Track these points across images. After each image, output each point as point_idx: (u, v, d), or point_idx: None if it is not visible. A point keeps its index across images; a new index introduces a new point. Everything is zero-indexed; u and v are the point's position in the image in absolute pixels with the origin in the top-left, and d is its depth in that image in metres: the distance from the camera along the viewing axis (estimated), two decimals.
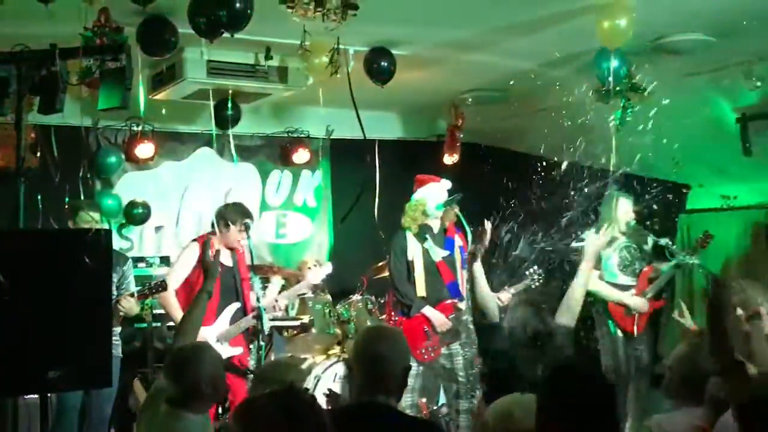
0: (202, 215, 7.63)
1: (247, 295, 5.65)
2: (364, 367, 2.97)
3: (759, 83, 5.68)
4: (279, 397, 2.25)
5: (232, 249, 5.67)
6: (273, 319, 6.29)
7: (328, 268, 6.25)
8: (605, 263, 6.18)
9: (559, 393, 2.47)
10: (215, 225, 5.69)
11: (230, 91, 6.28)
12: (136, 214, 7.28)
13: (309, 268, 6.84)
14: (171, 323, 5.95)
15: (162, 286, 5.37)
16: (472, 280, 4.39)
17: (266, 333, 5.34)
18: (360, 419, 2.81)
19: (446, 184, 6.03)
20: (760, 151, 6.45)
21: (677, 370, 3.54)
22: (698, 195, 8.24)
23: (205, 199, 7.64)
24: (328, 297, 7.13)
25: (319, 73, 5.54)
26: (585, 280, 3.95)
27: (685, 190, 8.24)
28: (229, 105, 6.55)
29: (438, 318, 5.83)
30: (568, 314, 3.78)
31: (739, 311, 4.75)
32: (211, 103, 6.22)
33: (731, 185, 7.68)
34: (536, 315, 3.62)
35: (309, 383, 5.75)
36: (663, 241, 6.15)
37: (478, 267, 4.43)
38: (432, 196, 5.96)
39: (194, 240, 5.85)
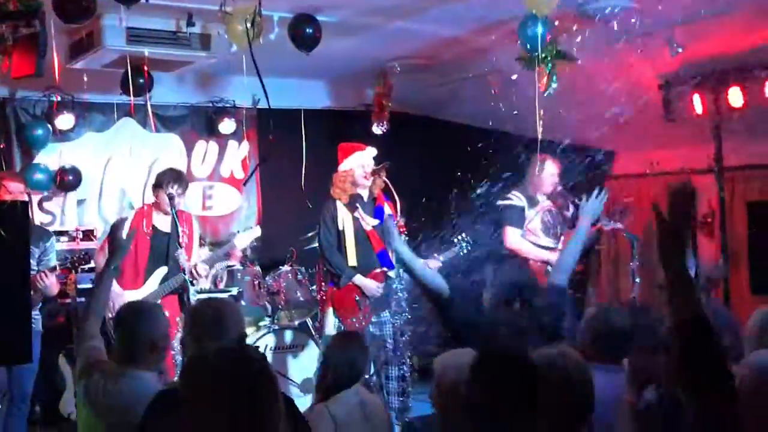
0: (126, 188, 7.46)
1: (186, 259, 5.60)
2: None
3: (680, 49, 5.75)
4: (229, 352, 2.18)
5: (168, 214, 5.64)
6: (201, 292, 6.23)
7: (256, 231, 6.20)
8: (528, 223, 6.26)
9: (482, 382, 2.48)
10: (153, 189, 5.71)
11: (145, 59, 6.06)
12: (67, 183, 7.13)
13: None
14: None
15: (84, 259, 5.27)
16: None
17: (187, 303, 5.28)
18: None
19: (372, 151, 6.00)
20: (680, 117, 6.56)
21: (590, 328, 3.60)
22: (623, 161, 8.41)
23: (128, 171, 7.47)
24: (257, 269, 7.06)
25: (241, 39, 5.41)
26: (584, 238, 4.03)
27: (609, 156, 8.39)
28: (141, 76, 6.34)
29: (369, 285, 5.82)
30: (564, 273, 3.86)
31: None
32: (129, 71, 6.02)
33: (654, 150, 7.83)
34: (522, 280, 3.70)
35: None
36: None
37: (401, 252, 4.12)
38: (358, 165, 5.92)
39: (135, 210, 5.94)
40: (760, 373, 2.64)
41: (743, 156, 6.84)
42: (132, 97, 6.36)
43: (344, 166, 5.97)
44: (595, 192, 4.13)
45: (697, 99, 6.38)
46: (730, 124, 6.38)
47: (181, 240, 5.53)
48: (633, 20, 5.48)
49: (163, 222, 5.73)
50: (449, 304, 3.65)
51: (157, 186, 5.68)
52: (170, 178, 5.62)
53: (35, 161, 7.09)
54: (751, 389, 2.64)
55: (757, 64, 5.87)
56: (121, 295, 5.47)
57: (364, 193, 5.97)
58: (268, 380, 2.11)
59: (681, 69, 6.32)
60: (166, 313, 3.60)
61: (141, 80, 6.37)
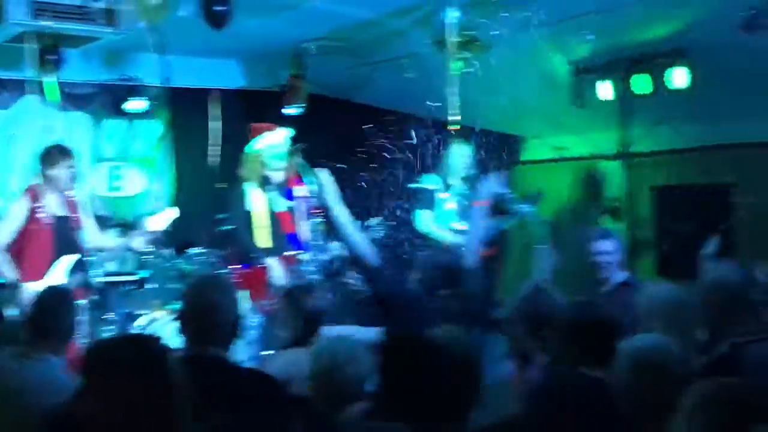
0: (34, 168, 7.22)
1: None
2: (195, 318, 2.84)
3: (591, 36, 5.86)
4: (129, 342, 2.13)
5: (62, 194, 5.42)
6: (108, 274, 6.08)
7: (174, 212, 6.04)
8: (441, 209, 6.31)
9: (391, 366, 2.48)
10: (40, 171, 5.42)
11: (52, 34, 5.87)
12: None
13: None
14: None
15: None
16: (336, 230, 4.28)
17: (93, 287, 5.13)
18: (190, 372, 2.71)
19: (285, 132, 5.94)
20: (590, 103, 6.70)
21: (521, 310, 3.64)
22: (533, 146, 8.55)
23: (34, 150, 7.22)
24: (169, 251, 6.92)
25: (150, 15, 5.28)
26: (478, 221, 4.03)
27: (519, 141, 8.53)
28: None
29: (277, 270, 5.77)
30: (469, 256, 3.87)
31: None
32: (36, 46, 5.82)
33: (564, 136, 7.99)
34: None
35: None
36: (500, 189, 6.31)
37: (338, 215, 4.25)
38: (270, 146, 5.86)
39: (25, 192, 5.53)
40: (628, 357, 2.72)
41: (649, 142, 7.03)
42: (39, 74, 6.19)
43: (255, 146, 5.89)
44: (491, 176, 4.09)
45: (605, 85, 6.52)
46: (636, 111, 6.54)
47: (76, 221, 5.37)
48: (545, 7, 5.58)
49: (56, 204, 5.41)
50: (377, 275, 3.67)
51: (53, 164, 5.35)
52: (65, 155, 5.39)
53: None
54: (622, 371, 2.71)
55: (662, 53, 6.02)
56: (26, 290, 5.17)
57: (276, 175, 5.91)
58: (164, 367, 2.06)
59: (590, 56, 6.45)
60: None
61: (49, 56, 6.17)
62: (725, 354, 3.22)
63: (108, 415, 1.95)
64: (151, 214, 6.08)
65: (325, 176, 4.31)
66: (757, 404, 2.06)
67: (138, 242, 5.87)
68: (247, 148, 5.94)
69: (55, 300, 3.34)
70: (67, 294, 3.48)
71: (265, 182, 5.86)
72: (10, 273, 5.18)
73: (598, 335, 3.04)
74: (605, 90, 6.54)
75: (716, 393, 2.16)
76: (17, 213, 5.32)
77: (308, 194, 5.92)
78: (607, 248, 5.41)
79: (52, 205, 5.40)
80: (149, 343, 2.13)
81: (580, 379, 2.94)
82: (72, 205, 5.45)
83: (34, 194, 5.39)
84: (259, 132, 5.91)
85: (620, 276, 5.38)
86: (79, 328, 3.50)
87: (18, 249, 5.28)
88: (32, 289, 4.95)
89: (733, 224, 6.45)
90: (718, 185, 6.55)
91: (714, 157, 6.73)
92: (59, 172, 5.32)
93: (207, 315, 2.81)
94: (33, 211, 5.30)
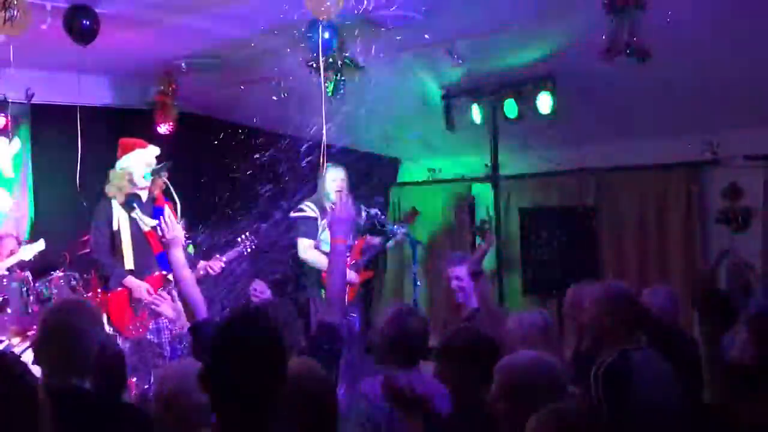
0: None
1: None
2: (56, 345, 2.69)
3: (461, 61, 5.98)
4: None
5: None
6: None
7: (40, 245, 5.85)
8: (322, 233, 6.26)
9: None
10: None
11: None
12: None
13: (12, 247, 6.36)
14: None
15: None
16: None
17: None
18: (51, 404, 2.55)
19: (154, 150, 5.78)
20: (461, 127, 6.82)
21: (386, 333, 3.65)
22: (408, 168, 8.65)
23: None
24: (26, 274, 6.59)
25: (7, 28, 5.02)
26: (340, 260, 3.70)
27: (395, 163, 8.61)
28: None
29: (138, 287, 5.58)
30: (335, 308, 3.66)
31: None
32: None
33: (437, 159, 8.12)
34: None
35: None
36: (373, 211, 6.33)
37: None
38: (139, 163, 5.69)
39: None
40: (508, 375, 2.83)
41: (517, 165, 7.22)
42: None
43: (123, 162, 5.71)
44: (338, 205, 3.65)
45: (476, 109, 6.66)
46: (505, 135, 6.70)
47: None
48: (418, 31, 5.64)
49: None
50: (199, 329, 3.37)
51: None
52: None
53: None
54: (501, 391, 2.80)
55: (530, 79, 6.20)
56: None
57: (143, 194, 5.74)
58: (24, 389, 1.94)
59: (461, 80, 6.57)
60: None
61: None
62: (614, 361, 3.35)
63: None
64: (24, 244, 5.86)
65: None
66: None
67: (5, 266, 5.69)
68: (116, 164, 5.75)
69: None
70: None
71: (131, 200, 5.67)
72: None
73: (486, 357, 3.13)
74: (475, 114, 6.67)
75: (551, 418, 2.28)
76: None
77: (175, 213, 5.78)
78: (461, 274, 5.54)
79: None
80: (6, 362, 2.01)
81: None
82: None
83: None
84: (129, 148, 5.74)
85: (473, 302, 5.52)
86: None
87: None
88: None
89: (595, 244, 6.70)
90: (580, 207, 6.78)
91: (576, 180, 6.97)
92: None
93: (67, 342, 2.65)
94: None
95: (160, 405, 2.85)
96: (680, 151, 6.24)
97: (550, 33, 5.53)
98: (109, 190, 5.68)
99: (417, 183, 8.43)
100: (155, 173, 5.68)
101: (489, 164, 6.99)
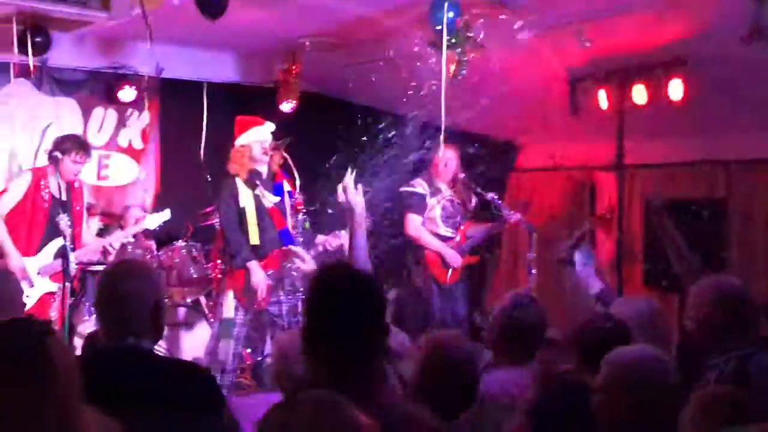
0: (16, 151, 7.11)
1: (78, 233, 5.50)
2: (108, 307, 2.71)
3: (588, 43, 5.78)
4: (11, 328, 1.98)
5: (67, 182, 5.52)
6: (89, 263, 6.02)
7: (166, 215, 6.08)
8: (430, 211, 6.23)
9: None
10: (50, 155, 5.53)
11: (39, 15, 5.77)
12: None
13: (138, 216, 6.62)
14: None
15: None
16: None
17: (71, 274, 5.06)
18: (108, 364, 2.57)
19: (270, 126, 5.87)
20: (585, 112, 6.62)
21: (500, 322, 3.57)
22: (527, 154, 8.47)
23: (20, 134, 7.13)
24: (151, 243, 6.83)
25: (145, 2, 5.19)
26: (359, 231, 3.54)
27: (514, 148, 8.45)
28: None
29: (258, 276, 5.69)
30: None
31: None
32: (14, 28, 5.74)
33: (558, 145, 7.91)
34: None
35: None
36: (489, 195, 6.25)
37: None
38: (256, 140, 5.78)
39: (31, 169, 5.77)
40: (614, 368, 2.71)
41: (643, 154, 6.95)
42: (28, 57, 6.09)
43: (241, 140, 5.83)
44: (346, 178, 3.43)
45: (602, 95, 6.45)
46: (632, 122, 6.46)
47: (74, 209, 5.44)
48: (543, 12, 5.50)
49: (57, 189, 5.52)
50: None
51: (61, 152, 5.48)
52: (77, 147, 5.52)
53: None
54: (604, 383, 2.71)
55: (660, 63, 5.95)
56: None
57: (263, 170, 5.84)
58: (65, 361, 1.92)
59: (588, 64, 6.37)
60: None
61: (37, 38, 6.08)
62: (737, 367, 3.20)
63: None
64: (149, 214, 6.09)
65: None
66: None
67: (117, 237, 5.94)
68: (235, 143, 5.87)
69: None
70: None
71: (253, 177, 5.78)
72: (9, 243, 5.39)
73: (600, 344, 3.01)
74: (602, 99, 6.46)
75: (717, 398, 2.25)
76: (16, 189, 5.56)
77: (294, 189, 5.87)
78: (581, 259, 5.38)
79: (53, 189, 5.54)
80: (30, 327, 1.97)
81: (582, 389, 2.89)
82: (77, 195, 5.63)
83: (37, 175, 5.58)
84: (246, 126, 5.85)
85: (595, 286, 5.34)
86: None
87: (13, 225, 5.48)
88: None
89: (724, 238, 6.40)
90: (709, 200, 6.47)
91: (707, 171, 6.66)
92: (70, 161, 5.48)
93: (120, 304, 2.66)
94: (33, 191, 5.48)
95: (272, 375, 2.89)
96: None
97: (684, 14, 5.28)
98: (232, 167, 5.81)
99: (536, 169, 8.25)
100: (273, 148, 5.77)
101: (614, 152, 6.75)
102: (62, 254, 5.10)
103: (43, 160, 5.84)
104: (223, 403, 2.70)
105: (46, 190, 5.52)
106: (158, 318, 2.70)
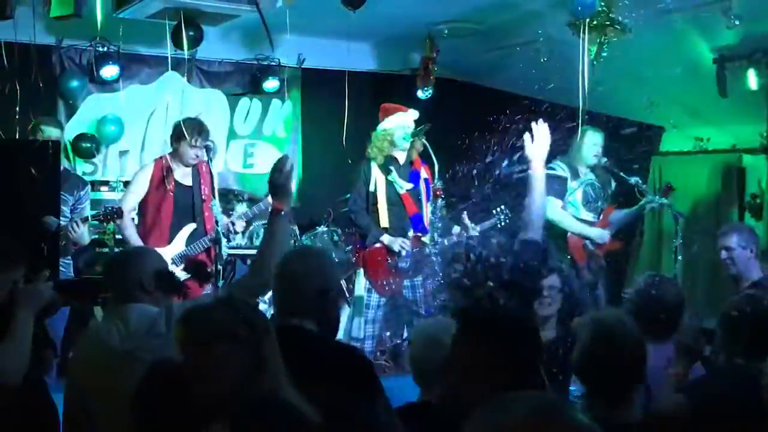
0: (168, 140, 7.47)
1: (207, 216, 5.46)
2: (279, 288, 2.83)
3: (737, 22, 5.54)
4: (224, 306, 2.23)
5: (189, 167, 5.49)
6: (236, 247, 6.22)
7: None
8: (570, 194, 6.12)
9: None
10: (170, 141, 5.54)
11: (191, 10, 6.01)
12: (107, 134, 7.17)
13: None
14: None
15: (118, 212, 5.22)
16: None
17: (224, 259, 5.22)
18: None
19: (413, 114, 5.92)
20: (735, 93, 6.35)
21: (636, 301, 3.53)
22: (671, 137, 8.19)
23: (171, 125, 7.48)
24: (294, 228, 7.05)
25: None
26: (540, 186, 3.62)
27: (658, 131, 8.18)
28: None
29: (394, 241, 5.78)
30: (532, 228, 3.46)
31: None
32: (167, 23, 5.99)
33: (705, 127, 7.61)
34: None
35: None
36: (633, 179, 6.08)
37: None
38: (399, 126, 5.85)
39: (154, 160, 5.68)
40: None
41: None
42: (179, 51, 6.35)
43: (385, 125, 5.90)
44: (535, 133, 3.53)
45: (752, 74, 6.16)
46: None
47: (203, 193, 5.44)
48: None
49: (182, 175, 5.49)
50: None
51: (180, 137, 5.38)
52: (197, 129, 5.40)
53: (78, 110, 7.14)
54: None
55: None
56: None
57: (401, 155, 5.91)
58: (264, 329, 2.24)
59: (737, 43, 6.11)
60: None
61: (190, 33, 6.32)
62: None
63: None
64: None
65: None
66: None
67: (239, 216, 5.85)
68: (377, 128, 5.96)
69: (130, 259, 3.27)
70: (146, 251, 3.61)
71: (388, 162, 5.86)
72: (135, 239, 5.35)
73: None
74: (751, 79, 6.18)
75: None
76: (142, 181, 5.47)
77: (432, 176, 5.91)
78: (731, 244, 5.06)
79: (178, 176, 5.48)
80: (242, 308, 2.23)
81: (744, 372, 2.82)
82: (204, 178, 5.53)
83: (160, 164, 5.51)
84: (391, 111, 5.93)
85: (753, 273, 5.06)
86: (165, 279, 3.29)
87: (142, 216, 5.49)
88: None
89: None
90: None
91: None
92: (188, 145, 5.38)
93: (288, 285, 2.78)
94: (158, 180, 5.42)
95: (412, 360, 2.93)
96: None
97: None
98: (371, 151, 5.89)
99: (681, 153, 7.97)
100: (414, 135, 5.83)
101: (765, 134, 6.45)
102: (214, 239, 5.24)
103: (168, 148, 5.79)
104: (381, 388, 2.74)
105: (170, 178, 5.46)
106: (325, 302, 2.79)
